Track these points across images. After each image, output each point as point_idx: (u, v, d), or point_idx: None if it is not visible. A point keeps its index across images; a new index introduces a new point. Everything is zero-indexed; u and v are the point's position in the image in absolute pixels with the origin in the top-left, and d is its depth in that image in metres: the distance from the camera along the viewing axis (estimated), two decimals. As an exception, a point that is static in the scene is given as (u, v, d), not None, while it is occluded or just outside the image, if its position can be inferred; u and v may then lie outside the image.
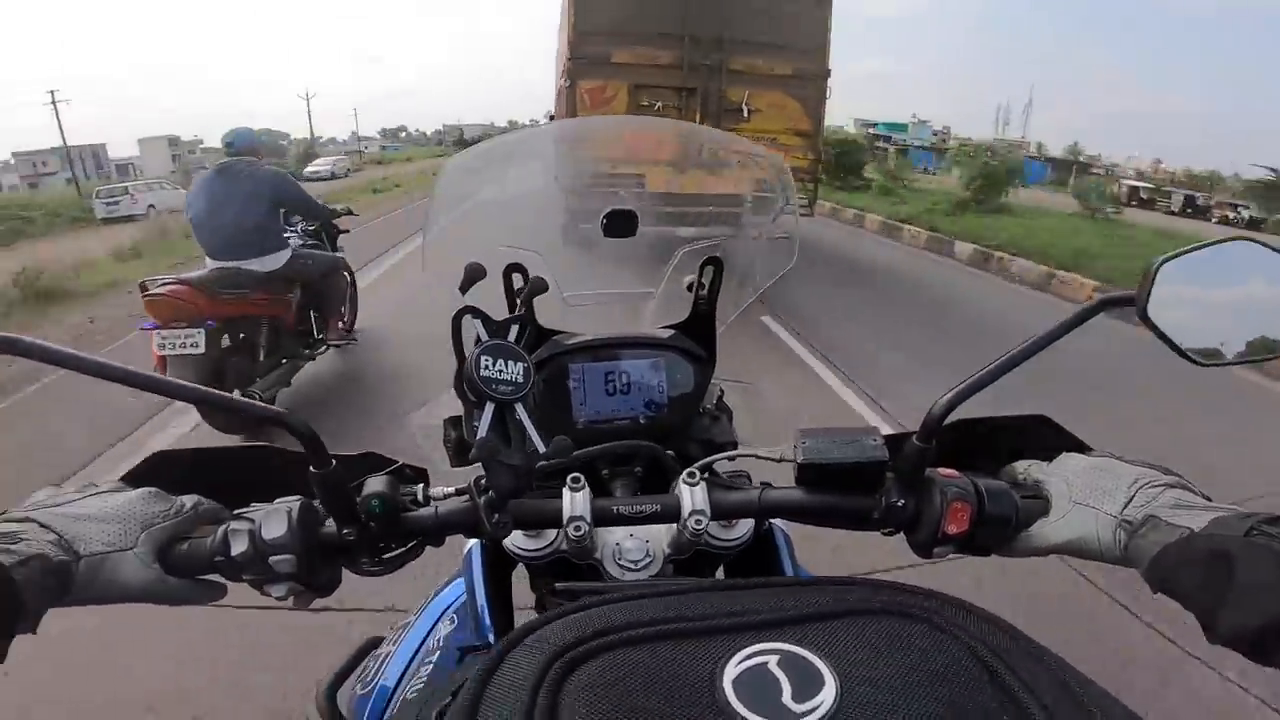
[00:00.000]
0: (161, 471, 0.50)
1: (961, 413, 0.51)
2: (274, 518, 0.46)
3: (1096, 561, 0.47)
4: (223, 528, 0.46)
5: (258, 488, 0.51)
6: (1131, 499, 0.45)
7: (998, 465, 0.55)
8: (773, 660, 0.29)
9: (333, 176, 33.23)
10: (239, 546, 0.45)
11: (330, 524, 0.48)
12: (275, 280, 3.27)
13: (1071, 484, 0.48)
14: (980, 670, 0.30)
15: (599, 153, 0.87)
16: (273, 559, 0.45)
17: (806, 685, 0.28)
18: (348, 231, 4.33)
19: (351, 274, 4.19)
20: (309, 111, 63.43)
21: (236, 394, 0.44)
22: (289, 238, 3.54)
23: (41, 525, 0.40)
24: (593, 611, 0.33)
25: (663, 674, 0.29)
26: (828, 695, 0.28)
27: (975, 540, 0.49)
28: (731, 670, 0.29)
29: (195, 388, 0.44)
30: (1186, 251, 0.50)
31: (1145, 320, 0.49)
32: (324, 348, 3.80)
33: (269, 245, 3.23)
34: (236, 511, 0.48)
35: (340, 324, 3.85)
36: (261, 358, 3.24)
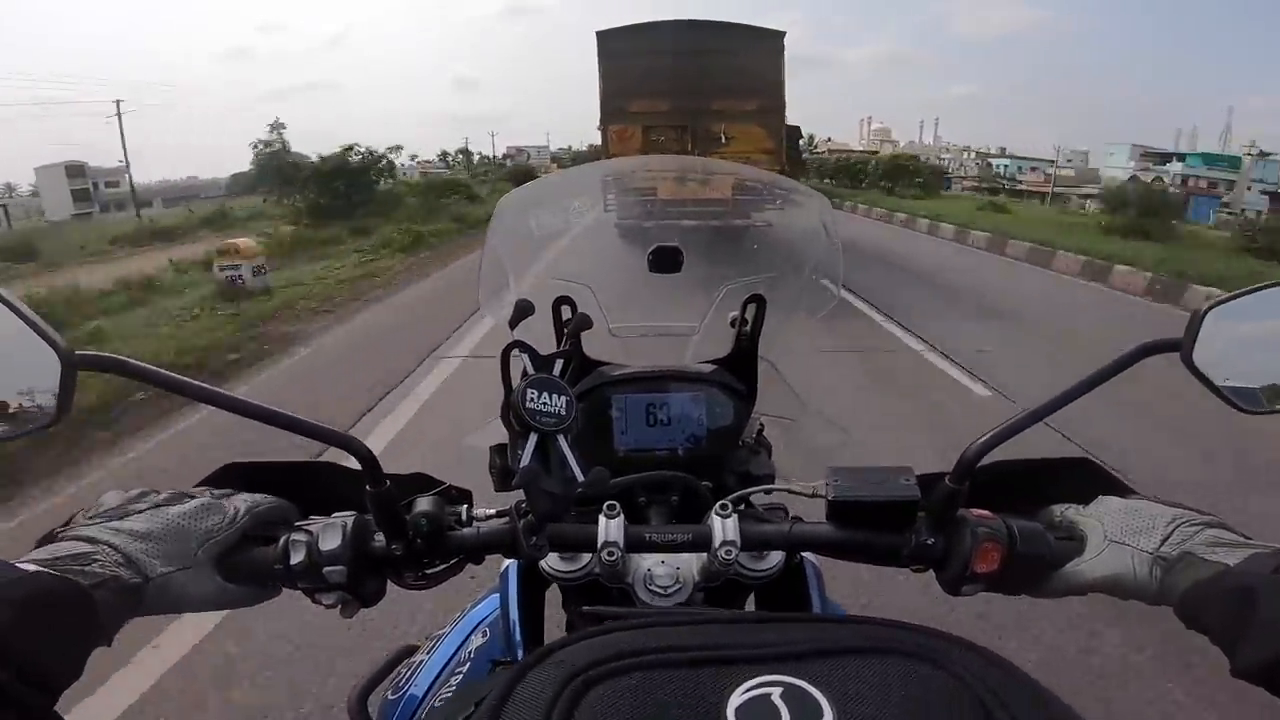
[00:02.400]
0: (232, 481, 0.53)
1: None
2: (330, 531, 0.49)
3: (1131, 600, 0.47)
4: (284, 538, 0.49)
5: (316, 501, 0.55)
6: (1168, 537, 0.45)
7: (1036, 508, 0.55)
8: (776, 692, 0.30)
9: None
10: (297, 557, 0.48)
11: (380, 539, 0.51)
12: None
13: (1107, 524, 0.48)
14: (978, 710, 0.30)
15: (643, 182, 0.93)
16: (326, 569, 0.48)
17: (805, 717, 0.29)
18: None
19: None
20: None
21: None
22: None
23: (111, 547, 0.42)
24: (614, 636, 0.34)
25: (672, 699, 0.30)
26: None
27: (1007, 579, 0.49)
28: (736, 699, 0.30)
29: (270, 409, 0.47)
30: (1233, 297, 0.49)
31: (1190, 366, 0.48)
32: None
33: None
34: (296, 524, 0.52)
35: None
36: None
